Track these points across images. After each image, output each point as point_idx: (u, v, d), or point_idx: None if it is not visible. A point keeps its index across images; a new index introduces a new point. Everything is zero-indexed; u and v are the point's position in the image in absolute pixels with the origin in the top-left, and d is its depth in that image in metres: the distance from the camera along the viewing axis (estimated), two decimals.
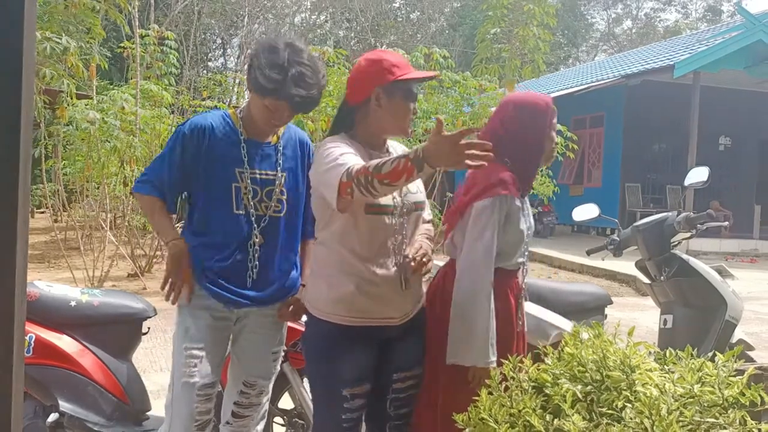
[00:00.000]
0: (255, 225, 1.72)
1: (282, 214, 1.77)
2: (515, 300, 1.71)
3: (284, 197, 1.77)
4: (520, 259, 1.73)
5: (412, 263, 1.50)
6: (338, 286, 1.54)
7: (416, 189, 1.62)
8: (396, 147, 1.71)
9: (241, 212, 1.71)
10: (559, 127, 7.64)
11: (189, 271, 1.70)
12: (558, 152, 8.40)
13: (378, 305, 1.55)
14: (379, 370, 1.61)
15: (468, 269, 1.60)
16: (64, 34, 4.92)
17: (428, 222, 1.72)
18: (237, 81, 11.32)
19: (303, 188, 1.81)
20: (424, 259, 1.52)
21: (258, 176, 1.73)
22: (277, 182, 1.75)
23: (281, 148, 1.78)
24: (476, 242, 1.60)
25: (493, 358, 1.55)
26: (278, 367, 1.87)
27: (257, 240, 1.72)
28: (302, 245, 1.87)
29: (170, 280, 1.68)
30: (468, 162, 1.22)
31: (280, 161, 1.77)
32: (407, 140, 6.34)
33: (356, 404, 1.56)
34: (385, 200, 1.52)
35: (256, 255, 1.73)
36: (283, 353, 1.89)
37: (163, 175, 1.72)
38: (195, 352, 1.69)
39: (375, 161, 1.35)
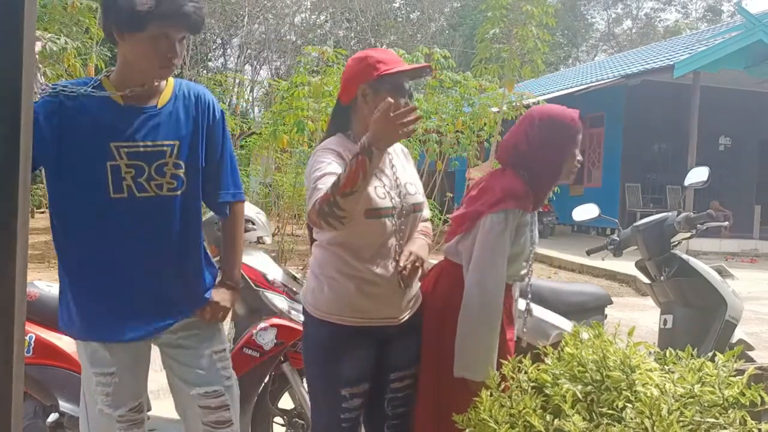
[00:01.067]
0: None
1: (178, 193, 1.46)
2: (506, 313, 1.68)
3: (181, 171, 1.45)
4: (522, 272, 1.71)
5: (404, 272, 1.49)
6: (338, 288, 1.54)
7: (415, 190, 1.62)
8: (395, 146, 1.70)
9: (121, 195, 1.40)
10: None
11: None
12: None
13: (378, 305, 1.55)
14: (377, 370, 1.62)
15: (479, 285, 1.57)
16: (62, 35, 4.92)
17: (426, 220, 1.71)
18: (237, 81, 11.33)
19: (203, 159, 1.50)
20: (417, 264, 1.51)
21: (141, 149, 1.40)
22: (164, 153, 1.43)
23: (171, 111, 1.46)
24: (488, 258, 1.56)
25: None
26: (231, 371, 1.59)
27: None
28: (222, 225, 1.61)
29: None
30: (404, 131, 1.29)
31: (171, 127, 1.44)
32: (407, 140, 6.34)
33: (355, 404, 1.56)
34: (384, 203, 1.52)
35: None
36: (229, 353, 1.64)
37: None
38: (104, 378, 1.43)
39: (329, 181, 1.39)
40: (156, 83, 1.46)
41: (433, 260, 1.83)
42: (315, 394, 1.63)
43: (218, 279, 1.61)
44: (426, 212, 1.70)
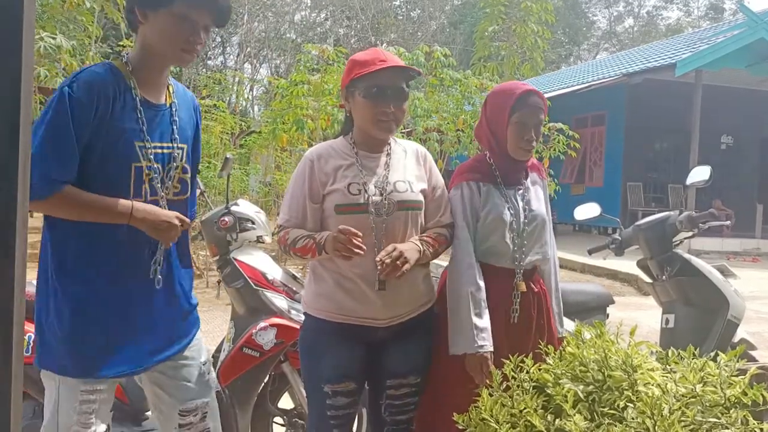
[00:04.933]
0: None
1: (183, 198, 1.42)
2: (508, 294, 1.66)
3: (188, 176, 1.41)
4: (504, 249, 1.65)
5: (379, 266, 1.45)
6: (320, 281, 1.57)
7: (405, 188, 1.58)
8: (406, 145, 1.70)
9: (138, 200, 1.33)
10: (560, 125, 7.58)
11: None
12: (559, 151, 8.27)
13: (358, 304, 1.53)
14: (372, 374, 1.61)
15: (450, 260, 1.65)
16: (59, 33, 4.91)
17: (444, 226, 1.64)
18: (236, 79, 11.32)
19: (195, 167, 1.47)
20: (398, 261, 1.46)
21: (158, 150, 1.33)
22: (175, 157, 1.37)
23: (175, 111, 1.39)
24: (453, 233, 1.65)
25: (482, 343, 1.55)
26: (214, 380, 1.56)
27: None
28: None
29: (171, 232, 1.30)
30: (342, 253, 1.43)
31: (176, 129, 1.38)
32: (411, 138, 6.32)
33: (340, 402, 1.54)
34: (355, 199, 1.52)
35: (160, 266, 1.35)
36: (213, 362, 1.63)
37: (71, 156, 1.24)
38: (91, 396, 1.32)
39: (294, 235, 1.54)
40: (167, 71, 1.37)
41: (443, 262, 1.83)
42: (306, 389, 1.66)
43: None
44: (445, 218, 1.65)
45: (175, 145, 1.38)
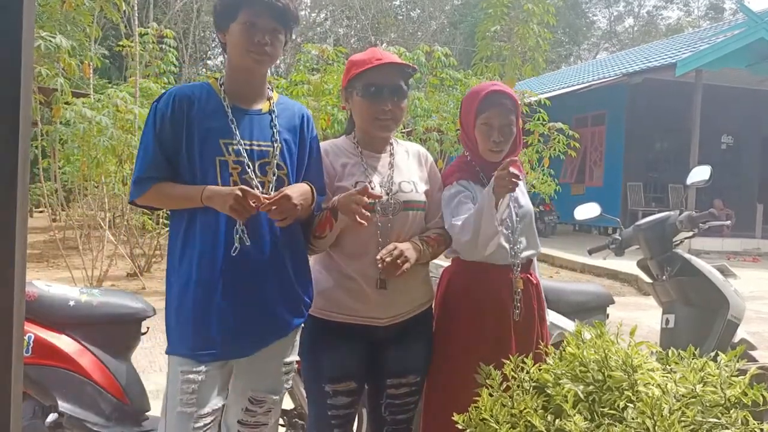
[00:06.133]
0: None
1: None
2: (509, 293, 1.66)
3: (283, 172, 1.53)
4: (508, 246, 1.65)
5: (379, 264, 1.46)
6: (321, 281, 1.57)
7: (410, 188, 1.59)
8: (408, 146, 1.70)
9: None
10: (560, 125, 7.56)
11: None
12: (559, 151, 8.25)
13: (358, 303, 1.54)
14: (372, 374, 1.61)
15: (457, 235, 1.58)
16: (58, 33, 4.91)
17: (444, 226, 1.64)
18: None
19: (301, 168, 1.59)
20: (398, 260, 1.46)
21: (248, 147, 1.49)
22: (271, 154, 1.51)
23: (274, 116, 1.56)
24: (451, 217, 1.61)
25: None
26: (290, 382, 1.62)
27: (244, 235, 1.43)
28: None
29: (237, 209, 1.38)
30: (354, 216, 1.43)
31: (274, 131, 1.54)
32: (411, 138, 6.33)
33: (341, 401, 1.55)
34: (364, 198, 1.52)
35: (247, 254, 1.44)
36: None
37: (155, 162, 1.47)
38: (192, 376, 1.43)
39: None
40: (258, 81, 1.54)
41: (443, 262, 1.82)
42: (306, 389, 1.66)
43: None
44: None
45: (268, 143, 1.52)
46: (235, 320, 1.46)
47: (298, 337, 1.61)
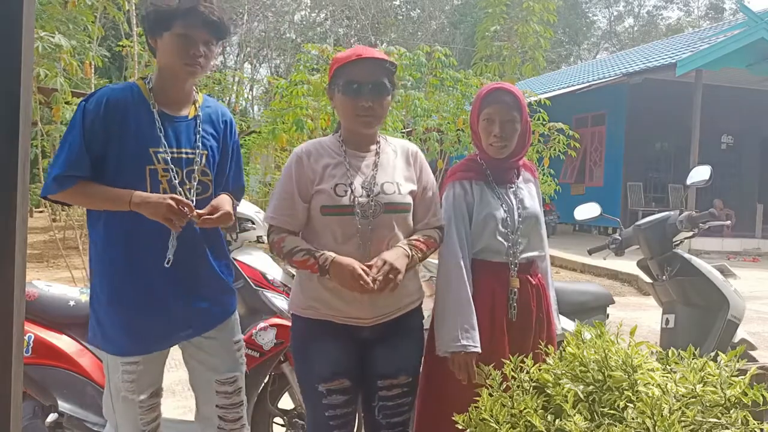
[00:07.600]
0: None
1: (207, 195, 1.59)
2: (503, 291, 1.66)
3: (208, 178, 1.59)
4: (498, 246, 1.66)
5: (374, 286, 1.44)
6: (305, 281, 1.57)
7: (393, 189, 1.56)
8: (397, 144, 1.68)
9: None
10: (560, 125, 7.55)
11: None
12: (559, 151, 8.24)
13: (343, 303, 1.53)
14: (363, 375, 1.60)
15: (438, 259, 1.66)
16: (57, 33, 4.91)
17: (434, 228, 1.62)
18: (236, 79, 11.32)
19: (227, 172, 1.66)
20: (390, 275, 1.45)
21: (176, 155, 1.53)
22: (195, 161, 1.56)
23: (199, 121, 1.60)
24: (445, 228, 1.67)
25: (466, 343, 1.56)
26: (244, 360, 1.73)
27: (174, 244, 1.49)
28: None
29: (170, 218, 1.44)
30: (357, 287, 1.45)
31: (198, 137, 1.58)
32: (411, 138, 6.32)
33: (336, 400, 1.54)
34: (342, 201, 1.51)
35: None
36: (245, 345, 1.78)
37: (80, 161, 1.47)
38: (131, 367, 1.54)
39: (291, 245, 1.52)
40: (186, 87, 1.58)
41: (435, 260, 1.82)
42: (301, 391, 1.66)
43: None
44: (435, 219, 1.62)
45: (196, 151, 1.57)
46: (166, 317, 1.56)
47: (235, 318, 1.73)
